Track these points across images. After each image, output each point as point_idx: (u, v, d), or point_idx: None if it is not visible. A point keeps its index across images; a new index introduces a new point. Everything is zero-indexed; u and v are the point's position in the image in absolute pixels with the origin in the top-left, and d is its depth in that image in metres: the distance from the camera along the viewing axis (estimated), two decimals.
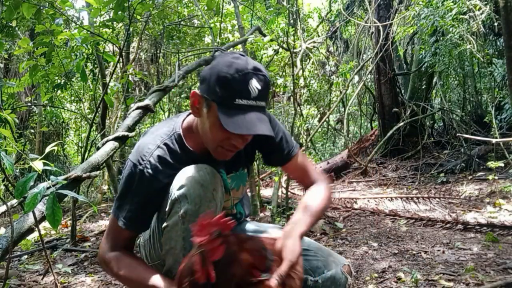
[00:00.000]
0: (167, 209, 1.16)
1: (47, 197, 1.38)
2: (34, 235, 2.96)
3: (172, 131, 1.25)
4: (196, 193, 1.11)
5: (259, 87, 1.06)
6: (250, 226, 1.49)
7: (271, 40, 3.69)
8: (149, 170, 1.17)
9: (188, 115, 1.30)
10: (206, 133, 1.16)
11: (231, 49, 5.24)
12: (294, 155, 1.38)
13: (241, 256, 1.01)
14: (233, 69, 1.06)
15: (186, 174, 1.15)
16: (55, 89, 3.30)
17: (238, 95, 1.05)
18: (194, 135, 1.24)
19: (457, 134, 6.26)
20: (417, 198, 4.14)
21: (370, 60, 7.53)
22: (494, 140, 4.10)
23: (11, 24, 4.00)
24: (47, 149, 1.65)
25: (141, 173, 1.17)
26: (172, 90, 3.35)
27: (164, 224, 1.16)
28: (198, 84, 1.21)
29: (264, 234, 1.32)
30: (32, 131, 8.30)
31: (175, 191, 1.13)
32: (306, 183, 1.41)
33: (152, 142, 1.22)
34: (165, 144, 1.22)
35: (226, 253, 0.96)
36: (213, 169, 1.18)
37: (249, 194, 3.28)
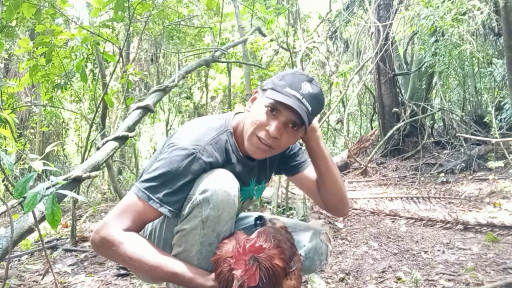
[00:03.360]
0: (184, 212, 1.14)
1: (46, 197, 1.38)
2: (34, 235, 2.96)
3: (225, 128, 1.28)
4: (220, 198, 1.11)
5: (310, 91, 1.19)
6: (253, 217, 1.52)
7: (271, 40, 3.69)
8: (203, 157, 1.17)
9: (234, 116, 1.34)
10: (250, 120, 1.21)
11: (231, 49, 5.25)
12: (308, 165, 1.46)
13: (274, 264, 1.06)
14: (294, 71, 1.26)
15: (210, 178, 1.14)
16: (55, 89, 3.30)
17: (290, 86, 1.18)
18: (239, 136, 1.29)
19: (457, 134, 6.27)
20: (417, 198, 4.13)
21: (370, 60, 7.53)
22: (494, 140, 4.11)
23: (11, 24, 3.99)
24: (47, 149, 1.65)
25: (194, 157, 1.16)
26: (172, 90, 3.34)
27: (182, 227, 1.14)
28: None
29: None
30: (32, 131, 8.30)
31: (197, 195, 1.11)
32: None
33: (208, 133, 1.24)
34: (220, 138, 1.24)
35: (264, 271, 1.04)
36: (233, 176, 1.19)
37: None
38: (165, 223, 1.28)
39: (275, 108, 1.17)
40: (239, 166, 1.28)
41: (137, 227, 1.14)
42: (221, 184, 1.12)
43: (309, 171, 1.46)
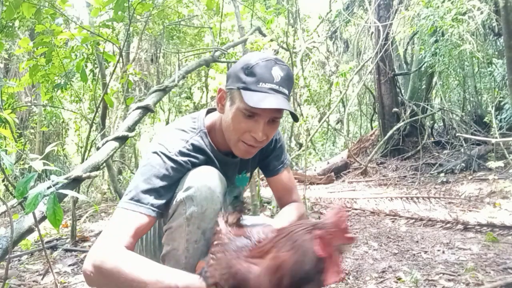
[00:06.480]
0: (170, 210, 1.14)
1: (47, 197, 1.38)
2: (34, 235, 2.96)
3: (198, 128, 1.25)
4: (203, 195, 1.10)
5: (282, 75, 1.13)
6: (246, 221, 1.51)
7: (271, 40, 3.69)
8: (179, 157, 1.16)
9: (207, 114, 1.32)
10: (229, 126, 1.17)
11: (231, 49, 5.25)
12: (284, 170, 1.46)
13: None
14: (257, 57, 1.14)
15: (193, 175, 1.14)
16: (55, 89, 3.30)
17: (262, 79, 1.10)
18: (216, 134, 1.27)
19: (457, 134, 6.26)
20: (417, 198, 4.13)
21: (370, 60, 7.53)
22: (494, 140, 4.11)
23: (11, 24, 3.99)
24: (47, 149, 1.65)
25: (170, 159, 1.14)
26: (172, 90, 3.34)
27: (169, 225, 1.14)
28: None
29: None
30: (32, 131, 8.31)
31: (181, 192, 1.11)
32: (285, 201, 1.47)
33: (181, 136, 1.21)
34: (195, 139, 1.22)
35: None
36: (219, 171, 1.18)
37: (249, 194, 3.28)
38: (158, 223, 1.29)
39: (252, 112, 1.11)
40: (222, 165, 1.27)
41: (133, 238, 1.07)
42: (205, 181, 1.11)
43: (281, 177, 1.46)
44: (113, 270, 0.97)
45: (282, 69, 1.13)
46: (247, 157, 1.25)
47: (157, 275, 0.97)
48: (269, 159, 1.43)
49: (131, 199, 1.10)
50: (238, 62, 1.18)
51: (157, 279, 0.96)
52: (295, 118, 1.20)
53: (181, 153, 1.17)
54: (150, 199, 1.10)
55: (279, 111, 1.14)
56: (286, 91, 1.14)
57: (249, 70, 1.11)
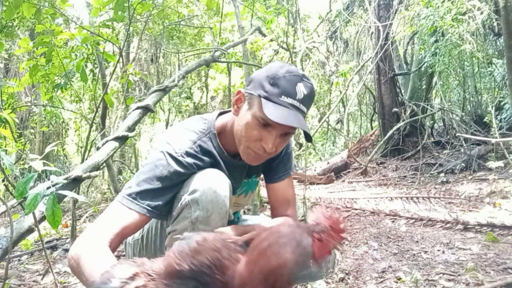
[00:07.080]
0: (174, 212, 1.13)
1: (47, 197, 1.38)
2: (34, 235, 2.96)
3: (207, 130, 1.24)
4: (208, 199, 1.09)
5: (305, 92, 1.11)
6: (249, 221, 1.51)
7: (271, 40, 3.69)
8: (185, 158, 1.14)
9: (218, 116, 1.30)
10: (241, 131, 1.15)
11: (231, 49, 5.25)
12: (286, 178, 1.41)
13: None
14: (284, 70, 1.12)
15: (199, 178, 1.13)
16: (55, 89, 3.30)
17: (285, 93, 1.09)
18: (227, 136, 1.25)
19: (457, 134, 6.26)
20: (417, 198, 4.13)
21: (370, 60, 7.53)
22: (494, 140, 4.11)
23: (11, 24, 4.00)
24: (47, 149, 1.65)
25: (176, 160, 1.13)
26: (172, 90, 3.34)
27: (173, 227, 1.14)
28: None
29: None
30: (32, 131, 8.32)
31: (186, 195, 1.11)
32: (279, 213, 1.40)
33: (189, 136, 1.20)
34: (202, 141, 1.21)
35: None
36: (225, 175, 1.17)
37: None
38: (160, 223, 1.28)
39: (267, 123, 1.09)
40: (229, 167, 1.25)
41: (120, 235, 1.04)
42: (211, 184, 1.10)
43: (282, 186, 1.40)
44: (76, 261, 0.95)
45: (307, 87, 1.12)
46: (254, 164, 1.23)
47: (97, 271, 0.86)
48: (274, 164, 1.39)
49: (129, 195, 1.09)
50: (264, 69, 1.16)
51: (93, 274, 0.88)
52: (309, 139, 1.18)
53: (188, 154, 1.16)
54: (148, 199, 1.09)
55: (294, 128, 1.13)
56: (306, 110, 1.13)
57: (274, 81, 1.09)
